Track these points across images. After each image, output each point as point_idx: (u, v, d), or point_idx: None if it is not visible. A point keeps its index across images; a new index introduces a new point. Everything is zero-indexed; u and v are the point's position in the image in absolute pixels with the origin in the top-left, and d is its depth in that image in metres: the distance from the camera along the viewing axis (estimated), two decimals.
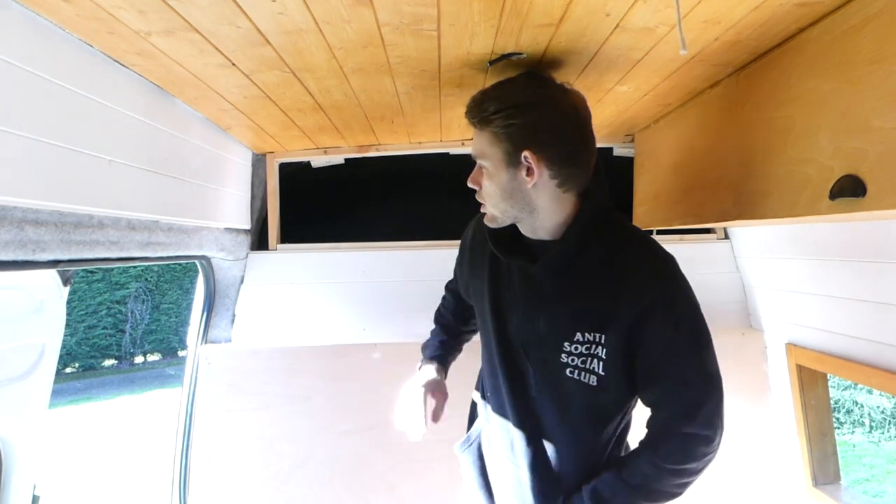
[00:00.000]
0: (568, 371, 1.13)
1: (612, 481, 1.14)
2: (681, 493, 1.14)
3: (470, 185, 1.16)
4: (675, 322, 1.09)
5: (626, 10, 0.98)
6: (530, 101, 1.08)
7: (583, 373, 1.12)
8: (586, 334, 1.11)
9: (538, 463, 1.21)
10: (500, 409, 1.28)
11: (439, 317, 1.63)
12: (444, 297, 1.65)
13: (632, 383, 1.14)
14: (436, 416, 1.37)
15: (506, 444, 1.26)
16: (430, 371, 1.45)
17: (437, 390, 1.41)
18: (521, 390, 1.23)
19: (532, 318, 1.18)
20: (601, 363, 1.11)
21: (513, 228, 1.21)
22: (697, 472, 1.11)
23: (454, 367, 1.53)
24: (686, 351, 1.10)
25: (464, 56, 1.18)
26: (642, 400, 1.18)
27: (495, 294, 1.26)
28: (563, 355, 1.13)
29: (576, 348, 1.12)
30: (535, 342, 1.19)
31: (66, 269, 1.44)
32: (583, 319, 1.12)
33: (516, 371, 1.23)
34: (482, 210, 1.18)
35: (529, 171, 1.08)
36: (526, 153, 1.07)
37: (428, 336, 1.59)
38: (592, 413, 1.18)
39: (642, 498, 1.13)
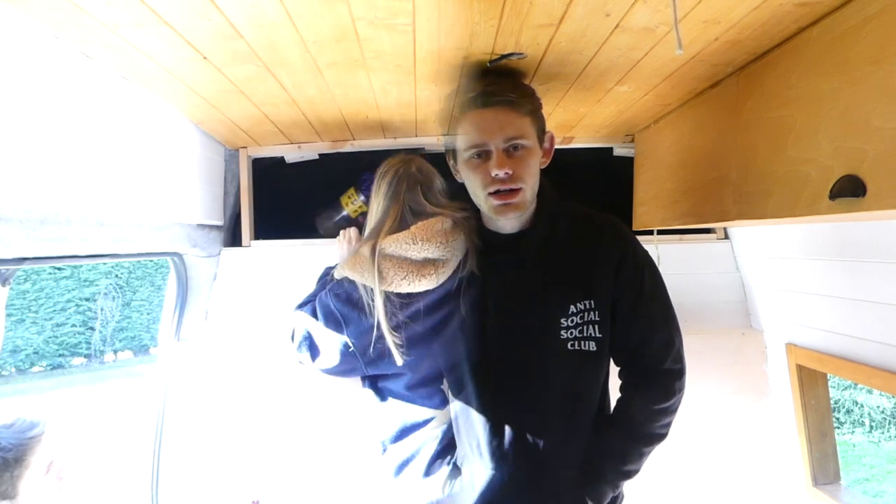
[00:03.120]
0: (570, 345, 1.18)
1: (599, 460, 1.21)
2: (667, 434, 1.23)
3: (508, 170, 1.12)
4: (641, 270, 1.22)
5: (626, 10, 0.98)
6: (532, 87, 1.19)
7: (583, 342, 1.19)
8: (578, 304, 1.18)
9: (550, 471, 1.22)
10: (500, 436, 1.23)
11: None
12: None
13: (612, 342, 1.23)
14: None
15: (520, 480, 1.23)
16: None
17: None
18: (523, 396, 1.21)
19: (523, 307, 1.21)
20: (596, 326, 1.18)
21: None
22: (675, 410, 1.24)
23: None
24: (655, 294, 1.23)
25: (464, 56, 1.17)
26: (619, 357, 1.26)
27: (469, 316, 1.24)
28: (562, 331, 1.18)
29: (572, 321, 1.19)
30: (531, 329, 1.21)
31: (9, 267, 1.34)
32: (573, 291, 1.19)
33: (515, 377, 1.22)
34: (514, 199, 1.15)
35: (545, 153, 1.22)
36: (548, 132, 1.22)
37: None
38: (592, 388, 1.24)
39: (640, 444, 1.20)
